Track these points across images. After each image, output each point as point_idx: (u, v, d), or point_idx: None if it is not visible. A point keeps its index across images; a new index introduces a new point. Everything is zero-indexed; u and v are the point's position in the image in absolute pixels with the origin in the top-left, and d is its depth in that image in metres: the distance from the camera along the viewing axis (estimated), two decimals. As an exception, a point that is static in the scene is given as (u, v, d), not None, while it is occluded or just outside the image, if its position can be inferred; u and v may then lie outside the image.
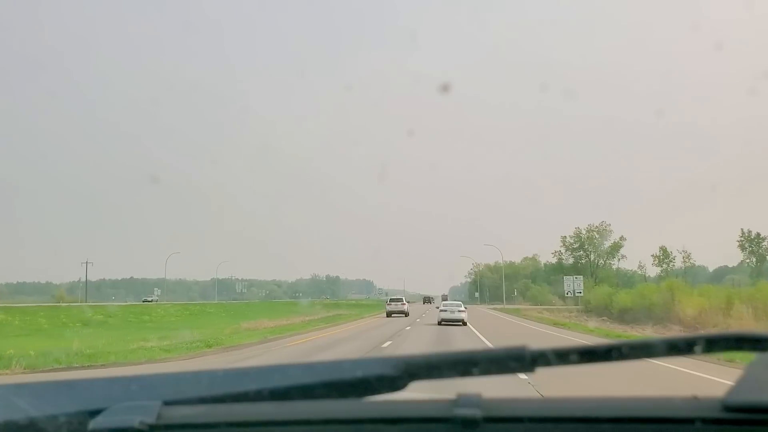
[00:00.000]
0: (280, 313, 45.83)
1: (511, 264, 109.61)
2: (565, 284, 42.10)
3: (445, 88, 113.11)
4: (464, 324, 30.39)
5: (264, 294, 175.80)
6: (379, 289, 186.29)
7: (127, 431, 0.83)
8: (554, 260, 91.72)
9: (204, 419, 0.86)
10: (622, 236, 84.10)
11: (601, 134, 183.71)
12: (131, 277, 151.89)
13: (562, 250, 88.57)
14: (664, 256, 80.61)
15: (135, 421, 0.83)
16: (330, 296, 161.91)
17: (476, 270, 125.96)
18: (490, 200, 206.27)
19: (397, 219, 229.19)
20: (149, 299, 77.43)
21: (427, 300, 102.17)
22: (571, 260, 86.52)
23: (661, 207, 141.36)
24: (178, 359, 14.84)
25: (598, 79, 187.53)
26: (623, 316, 40.54)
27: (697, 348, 0.84)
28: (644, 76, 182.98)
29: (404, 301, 47.30)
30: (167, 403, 0.88)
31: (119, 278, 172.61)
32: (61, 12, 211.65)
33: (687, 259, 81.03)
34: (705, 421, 0.78)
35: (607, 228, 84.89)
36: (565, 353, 0.85)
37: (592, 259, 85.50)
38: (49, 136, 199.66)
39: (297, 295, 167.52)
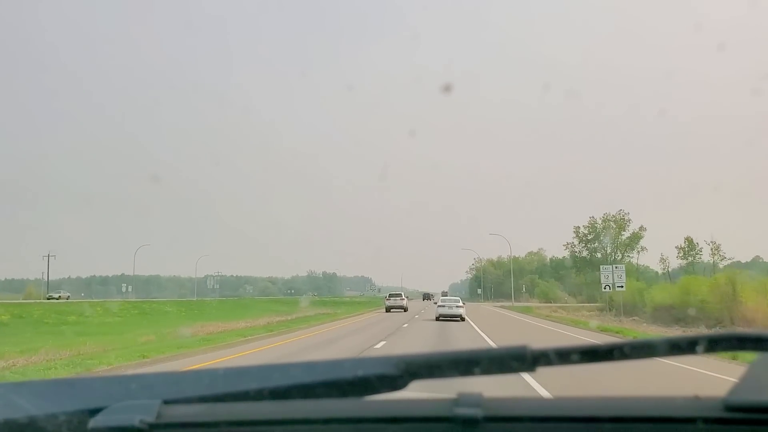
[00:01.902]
0: (253, 312, 40.52)
1: (515, 259, 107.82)
2: (602, 276, 37.38)
3: (447, 87, 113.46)
4: (462, 320, 30.82)
5: (251, 290, 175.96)
6: (372, 285, 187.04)
7: (127, 430, 0.85)
8: (565, 253, 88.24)
9: (204, 418, 0.89)
10: (642, 226, 78.92)
11: (601, 133, 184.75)
12: (122, 274, 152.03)
13: (575, 241, 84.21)
14: (689, 248, 71.54)
15: (135, 419, 0.86)
16: (327, 293, 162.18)
17: (478, 265, 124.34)
18: (492, 197, 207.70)
19: (397, 216, 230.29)
20: (54, 296, 66.54)
21: (427, 297, 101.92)
22: (584, 253, 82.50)
23: (662, 206, 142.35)
24: None
25: (601, 77, 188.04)
26: (660, 315, 35.93)
27: (699, 348, 0.86)
28: (646, 74, 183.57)
29: (403, 296, 48.38)
30: (167, 402, 0.91)
31: (110, 275, 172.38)
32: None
33: (716, 251, 70.09)
34: (706, 420, 0.81)
35: (625, 217, 79.59)
36: (567, 353, 0.87)
37: (608, 251, 79.91)
38: (51, 138, 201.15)
39: (290, 291, 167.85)
